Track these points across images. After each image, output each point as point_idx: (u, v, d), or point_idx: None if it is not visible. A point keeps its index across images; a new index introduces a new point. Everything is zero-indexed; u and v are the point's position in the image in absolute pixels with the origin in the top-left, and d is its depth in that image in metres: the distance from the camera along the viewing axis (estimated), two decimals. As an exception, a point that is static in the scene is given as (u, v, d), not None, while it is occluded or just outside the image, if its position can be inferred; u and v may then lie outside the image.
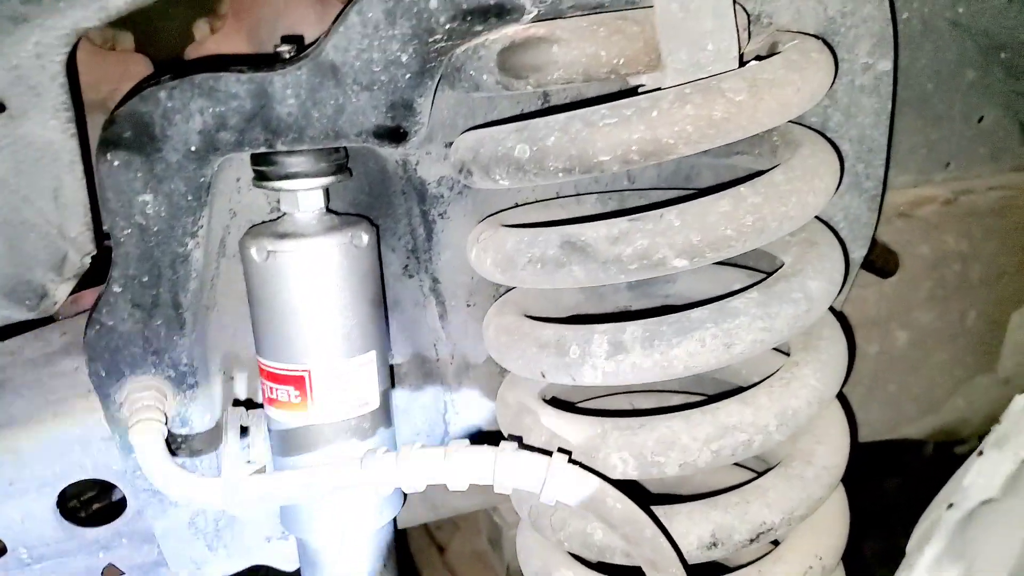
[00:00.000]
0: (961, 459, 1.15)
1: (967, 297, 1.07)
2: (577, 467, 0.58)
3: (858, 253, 0.86)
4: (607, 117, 0.57)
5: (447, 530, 1.49)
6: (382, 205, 0.84)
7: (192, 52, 0.99)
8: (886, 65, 0.76)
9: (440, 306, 0.88)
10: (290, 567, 0.95)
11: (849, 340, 0.76)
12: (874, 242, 1.02)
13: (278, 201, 0.76)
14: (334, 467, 0.61)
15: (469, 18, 0.58)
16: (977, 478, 0.45)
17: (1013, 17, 0.89)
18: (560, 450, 0.61)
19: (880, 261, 1.01)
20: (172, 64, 0.97)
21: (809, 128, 0.72)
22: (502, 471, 0.57)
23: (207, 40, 0.99)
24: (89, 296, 0.88)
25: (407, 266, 0.87)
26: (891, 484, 1.45)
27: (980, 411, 1.17)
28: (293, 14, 0.96)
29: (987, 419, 1.20)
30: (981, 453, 0.42)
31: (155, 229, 0.69)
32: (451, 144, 0.76)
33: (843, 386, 1.05)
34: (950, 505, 0.46)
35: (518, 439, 0.65)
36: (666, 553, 0.57)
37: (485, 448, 0.59)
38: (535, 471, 0.57)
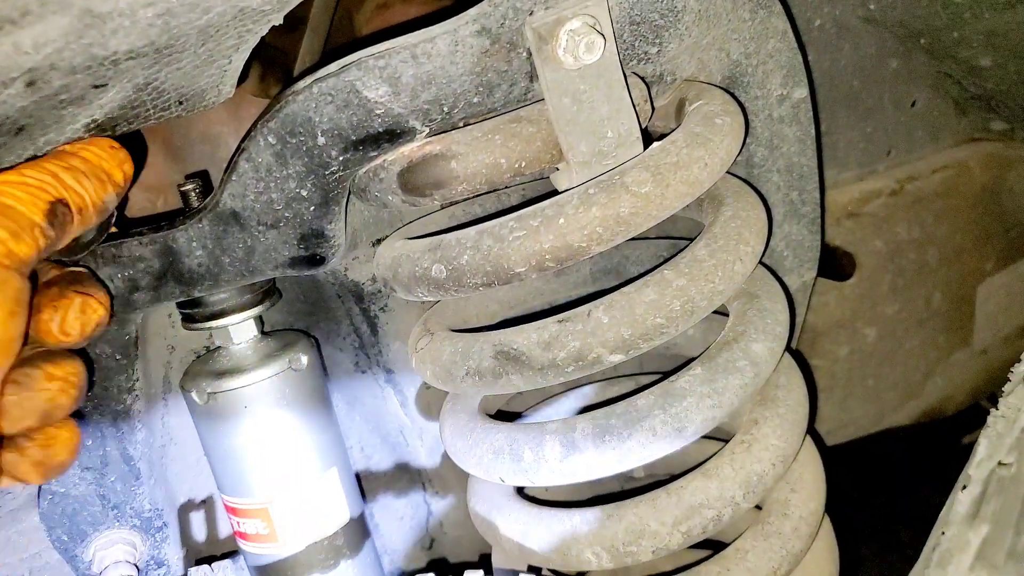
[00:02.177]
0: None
1: (929, 281, 1.06)
2: (545, 586, 0.58)
3: (808, 276, 0.85)
4: (516, 230, 0.55)
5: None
6: (321, 310, 0.83)
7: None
8: (801, 93, 0.75)
9: (400, 395, 0.87)
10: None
11: (807, 373, 0.75)
12: (827, 247, 1.01)
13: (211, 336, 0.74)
14: (304, 618, 0.60)
15: (361, 147, 0.57)
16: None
17: (925, 6, 0.87)
18: (530, 568, 0.60)
19: (836, 265, 1.00)
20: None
21: (734, 176, 0.71)
22: (469, 605, 0.57)
23: (123, 155, 0.97)
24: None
25: (358, 363, 0.86)
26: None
27: (962, 386, 1.16)
28: (207, 117, 0.93)
29: (970, 392, 1.20)
30: None
31: (89, 394, 0.67)
32: (379, 241, 0.75)
33: (820, 393, 1.06)
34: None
35: (488, 554, 0.64)
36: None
37: (451, 582, 0.58)
38: (502, 599, 0.57)
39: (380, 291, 0.81)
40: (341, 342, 0.84)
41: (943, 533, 0.41)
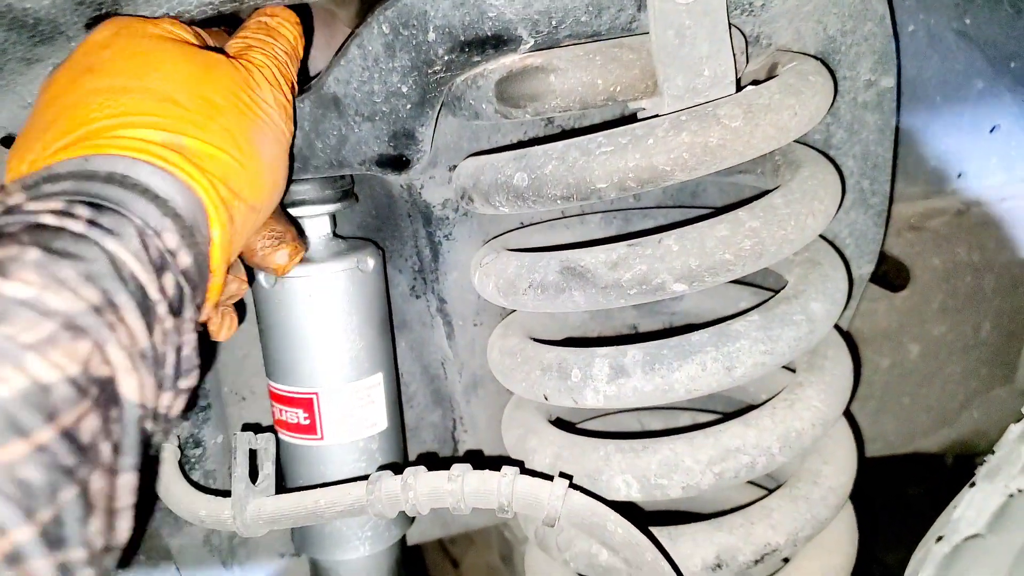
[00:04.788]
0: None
1: (981, 309, 1.06)
2: (578, 492, 0.59)
3: (865, 269, 0.85)
4: (604, 145, 0.57)
5: (462, 544, 1.50)
6: (389, 227, 0.85)
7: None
8: (889, 82, 0.76)
9: (447, 326, 0.89)
10: (305, 583, 0.96)
11: (855, 357, 0.75)
12: (883, 255, 1.01)
13: (286, 227, 0.77)
14: (340, 491, 0.62)
15: (467, 49, 0.59)
16: (966, 511, 0.45)
17: (1022, 27, 0.88)
18: (562, 474, 0.61)
19: (890, 275, 1.00)
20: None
21: (811, 147, 0.72)
22: (504, 496, 0.58)
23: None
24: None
25: (414, 287, 0.88)
26: (913, 492, 1.43)
27: (997, 424, 1.15)
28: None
29: (1004, 432, 1.19)
30: (973, 484, 0.43)
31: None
32: (455, 167, 0.77)
33: (854, 401, 1.05)
34: (939, 538, 0.46)
35: (520, 463, 0.65)
36: (667, 577, 0.58)
37: (487, 473, 0.59)
38: (536, 496, 0.58)
39: (448, 218, 0.83)
40: (402, 263, 0.86)
41: (993, 452, 0.42)
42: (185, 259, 0.45)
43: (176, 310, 0.44)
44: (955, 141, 1.01)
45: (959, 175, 1.04)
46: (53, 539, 0.34)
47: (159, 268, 0.43)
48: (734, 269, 0.59)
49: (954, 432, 1.13)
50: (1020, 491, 0.40)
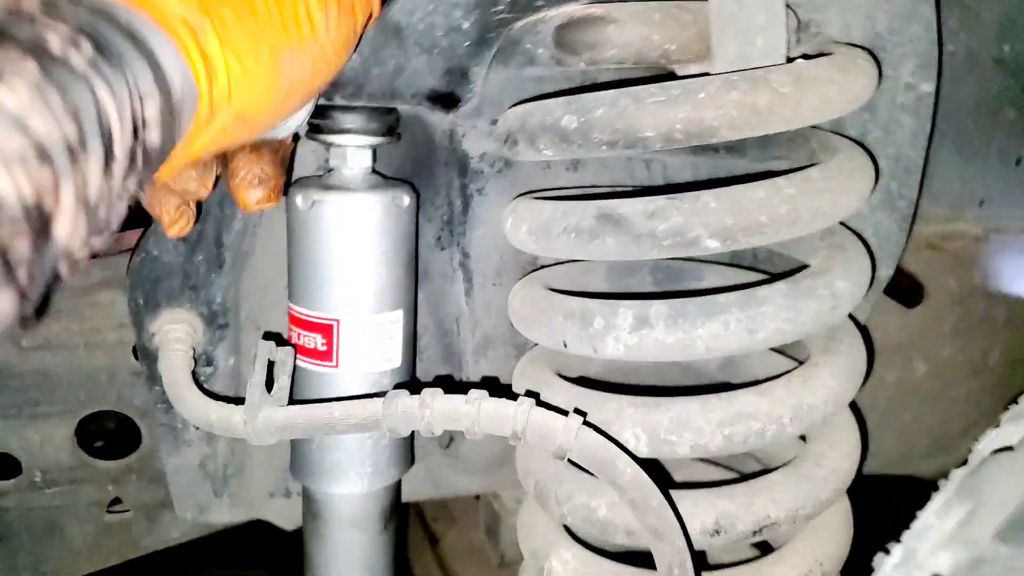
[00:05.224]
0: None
1: (991, 336, 1.07)
2: (591, 429, 0.59)
3: (885, 272, 0.86)
4: (655, 95, 0.59)
5: (443, 522, 1.50)
6: (424, 174, 0.87)
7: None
8: (928, 87, 0.78)
9: (467, 282, 0.90)
10: (289, 526, 0.96)
11: (869, 353, 0.76)
12: (900, 270, 1.03)
13: (327, 158, 0.78)
14: (356, 404, 0.63)
15: (532, -9, 0.61)
16: (992, 443, 0.46)
17: (1059, 61, 0.90)
18: (576, 411, 0.62)
19: (905, 289, 1.02)
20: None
21: (847, 138, 0.74)
22: (518, 423, 0.59)
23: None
24: (131, 236, 0.91)
25: (440, 237, 0.89)
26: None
27: (993, 456, 1.16)
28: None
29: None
30: (998, 425, 0.44)
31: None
32: (496, 121, 0.79)
33: (859, 410, 1.06)
34: (964, 462, 0.47)
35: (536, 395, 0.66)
36: (670, 523, 0.58)
37: (504, 400, 0.60)
38: (550, 426, 0.59)
39: (483, 171, 0.85)
40: (432, 212, 0.87)
41: (1015, 401, 0.43)
42: (153, 135, 0.44)
43: (126, 176, 0.43)
44: (981, 168, 1.03)
45: (981, 202, 1.06)
46: None
47: (133, 132, 0.42)
48: (767, 232, 0.60)
49: (951, 460, 1.13)
50: (1048, 421, 0.41)
